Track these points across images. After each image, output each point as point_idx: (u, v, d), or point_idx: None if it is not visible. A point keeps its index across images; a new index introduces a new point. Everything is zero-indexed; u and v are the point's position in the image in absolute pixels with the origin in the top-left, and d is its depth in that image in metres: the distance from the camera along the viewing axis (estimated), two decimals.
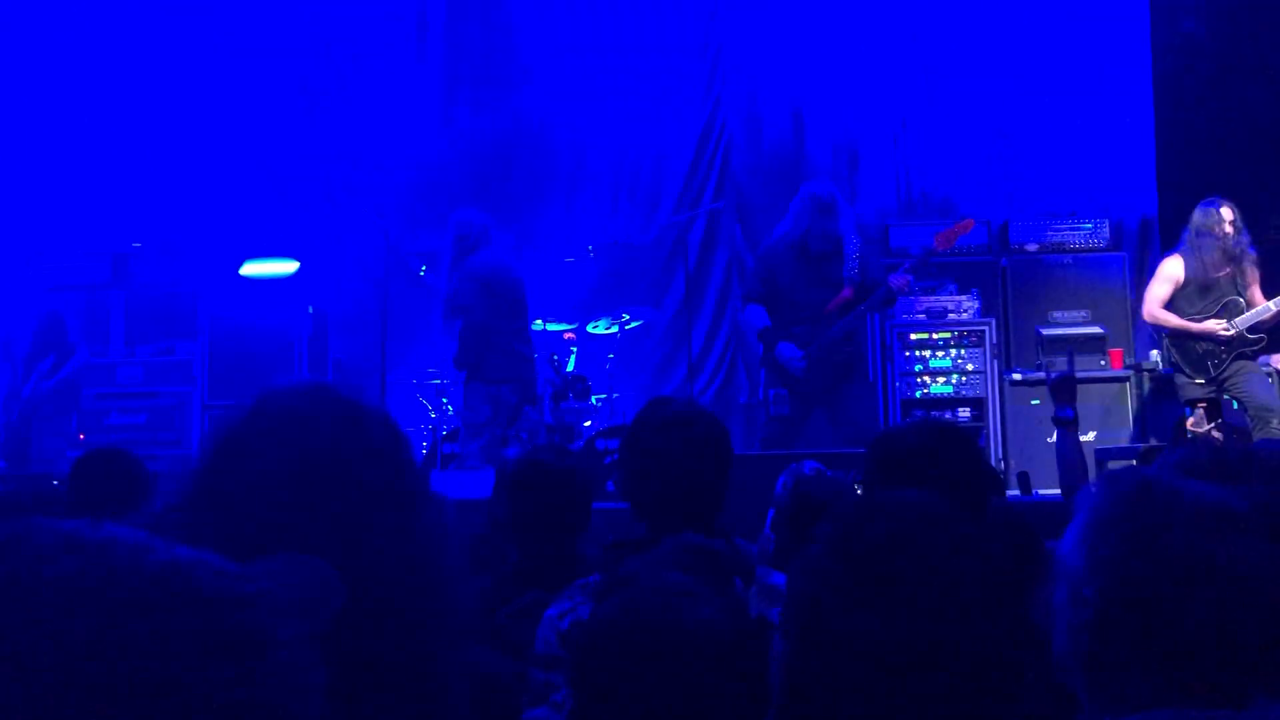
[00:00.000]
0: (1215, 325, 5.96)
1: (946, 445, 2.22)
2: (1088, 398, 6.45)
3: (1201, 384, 5.93)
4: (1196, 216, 6.04)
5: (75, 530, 0.59)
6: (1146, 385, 6.81)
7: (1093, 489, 1.28)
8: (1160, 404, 6.59)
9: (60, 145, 8.42)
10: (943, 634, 1.13)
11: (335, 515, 1.02)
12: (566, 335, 7.01)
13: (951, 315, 7.08)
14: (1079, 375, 3.70)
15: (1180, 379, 6.08)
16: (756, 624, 1.59)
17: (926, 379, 6.93)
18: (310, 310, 7.24)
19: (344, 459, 1.07)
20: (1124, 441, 6.49)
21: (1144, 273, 7.24)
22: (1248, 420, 5.80)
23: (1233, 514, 1.16)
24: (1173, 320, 6.06)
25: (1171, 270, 6.11)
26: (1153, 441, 6.28)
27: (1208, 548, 1.15)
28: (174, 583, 0.58)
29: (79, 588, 0.55)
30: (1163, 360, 6.50)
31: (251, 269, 7.40)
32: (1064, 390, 3.48)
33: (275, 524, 1.00)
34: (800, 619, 1.19)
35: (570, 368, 6.95)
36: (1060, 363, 6.15)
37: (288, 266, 7.34)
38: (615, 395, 6.99)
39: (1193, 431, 5.19)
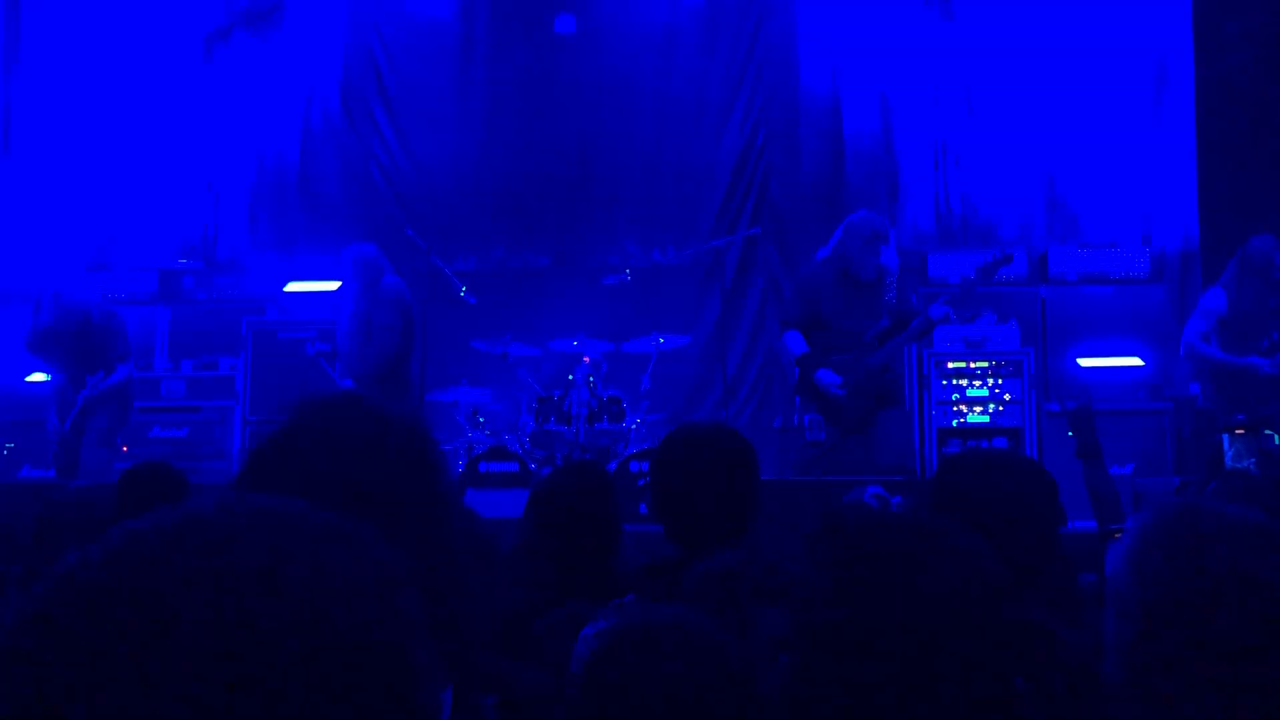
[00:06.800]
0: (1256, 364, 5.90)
1: (1010, 480, 2.22)
2: (1127, 431, 6.39)
3: (1242, 418, 5.87)
4: (1249, 250, 5.96)
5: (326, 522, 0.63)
6: (1186, 418, 6.74)
7: (1142, 515, 1.31)
8: (1200, 438, 6.52)
9: (109, 160, 8.58)
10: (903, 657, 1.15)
11: (363, 511, 1.07)
12: (586, 359, 6.89)
13: (989, 344, 7.05)
14: (1101, 408, 3.68)
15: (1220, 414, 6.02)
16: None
17: (963, 407, 6.90)
18: None
19: (371, 460, 1.13)
20: (1162, 475, 6.43)
21: (1185, 304, 7.18)
22: None
23: (1274, 534, 1.19)
24: (1212, 355, 6.00)
25: (1212, 304, 6.05)
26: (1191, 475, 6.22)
27: (1250, 563, 1.17)
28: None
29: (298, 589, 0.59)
30: (1203, 394, 6.44)
31: (295, 287, 7.51)
32: (1082, 422, 3.46)
33: None
34: (793, 627, 1.25)
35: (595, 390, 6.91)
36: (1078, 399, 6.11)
37: (330, 285, 7.44)
38: (650, 418, 7.00)
39: (1231, 464, 5.14)
